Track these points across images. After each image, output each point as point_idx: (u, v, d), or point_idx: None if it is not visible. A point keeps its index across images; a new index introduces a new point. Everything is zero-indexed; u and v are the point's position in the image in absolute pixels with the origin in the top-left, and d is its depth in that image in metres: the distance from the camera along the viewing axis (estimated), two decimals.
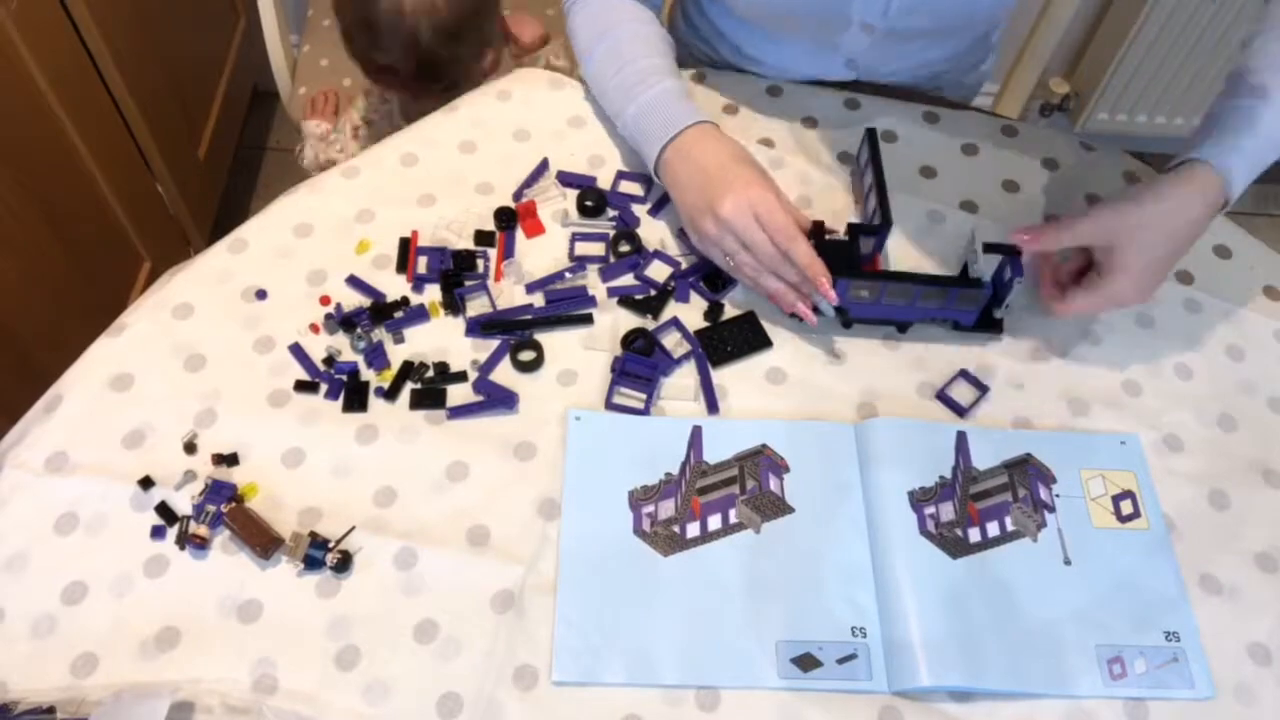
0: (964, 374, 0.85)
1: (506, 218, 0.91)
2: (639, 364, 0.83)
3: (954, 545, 0.76)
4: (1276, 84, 0.78)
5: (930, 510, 0.77)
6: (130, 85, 1.46)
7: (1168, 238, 0.79)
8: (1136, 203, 0.79)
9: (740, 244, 0.82)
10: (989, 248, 0.84)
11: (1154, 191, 0.79)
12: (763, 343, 0.86)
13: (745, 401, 0.83)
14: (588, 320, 0.86)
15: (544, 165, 0.95)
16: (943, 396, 0.84)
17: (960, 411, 0.83)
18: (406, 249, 0.89)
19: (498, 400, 0.80)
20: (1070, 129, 2.00)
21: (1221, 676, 0.72)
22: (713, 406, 0.82)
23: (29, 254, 1.29)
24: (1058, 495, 0.79)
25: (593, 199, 0.92)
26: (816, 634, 0.72)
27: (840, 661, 0.71)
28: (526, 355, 0.83)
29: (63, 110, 1.32)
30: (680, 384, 0.83)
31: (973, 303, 0.84)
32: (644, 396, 0.82)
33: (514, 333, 0.84)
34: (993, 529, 0.78)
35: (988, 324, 0.87)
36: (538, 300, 0.87)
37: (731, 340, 0.85)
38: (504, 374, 0.83)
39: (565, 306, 0.86)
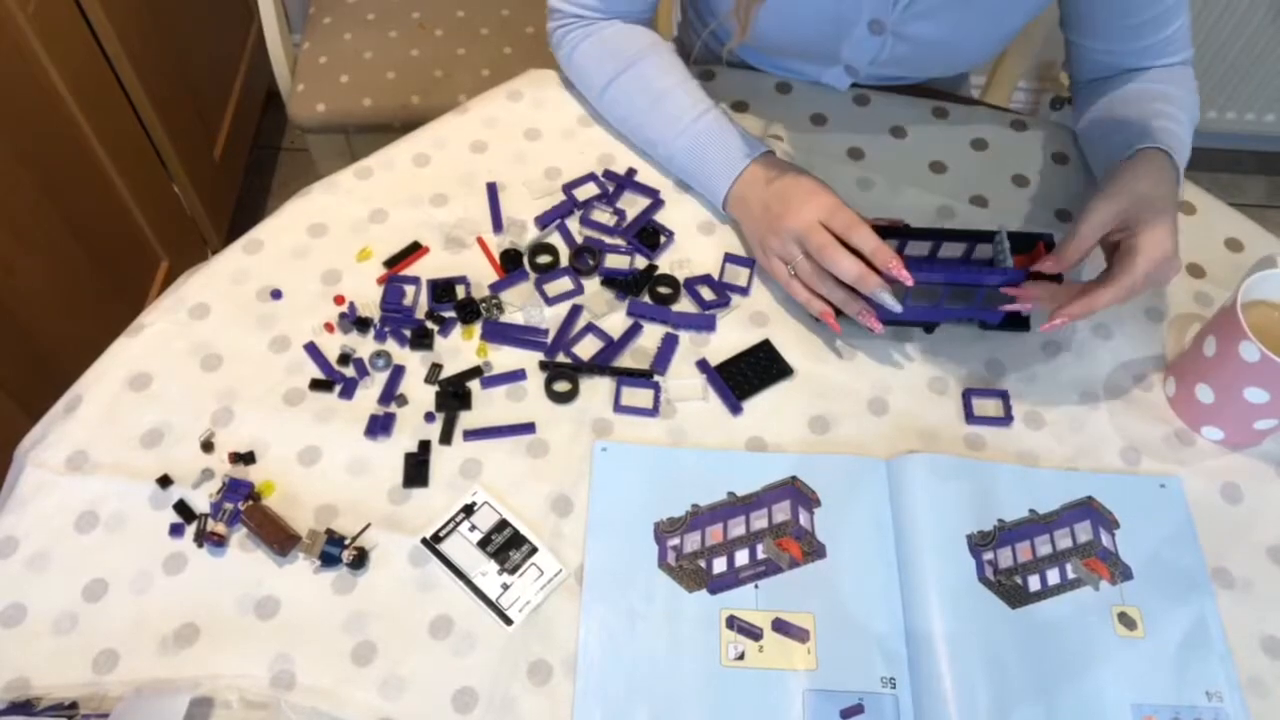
0: (1002, 394, 0.84)
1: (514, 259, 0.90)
2: (644, 308, 0.86)
3: (1013, 594, 0.74)
4: (1182, 118, 0.89)
5: (989, 556, 0.75)
6: (146, 87, 1.48)
7: (1168, 201, 0.80)
8: (1126, 179, 0.80)
9: (803, 250, 0.83)
10: (1014, 237, 0.83)
11: (1130, 172, 0.81)
12: (783, 371, 0.84)
13: (755, 402, 0.83)
14: (647, 376, 0.83)
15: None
16: (966, 397, 0.83)
17: (969, 415, 0.83)
18: (408, 255, 0.89)
19: (517, 428, 0.80)
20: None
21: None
22: (735, 409, 0.82)
23: (48, 255, 1.31)
24: (1119, 543, 0.76)
25: (548, 255, 0.90)
26: (846, 683, 0.70)
27: (867, 712, 0.69)
28: (562, 386, 0.82)
29: (80, 113, 1.34)
30: (687, 384, 0.84)
31: (1002, 303, 0.82)
32: (650, 394, 0.82)
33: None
34: (1053, 576, 0.75)
35: (1014, 322, 0.87)
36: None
37: (753, 371, 0.84)
38: (537, 400, 0.83)
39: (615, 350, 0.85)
